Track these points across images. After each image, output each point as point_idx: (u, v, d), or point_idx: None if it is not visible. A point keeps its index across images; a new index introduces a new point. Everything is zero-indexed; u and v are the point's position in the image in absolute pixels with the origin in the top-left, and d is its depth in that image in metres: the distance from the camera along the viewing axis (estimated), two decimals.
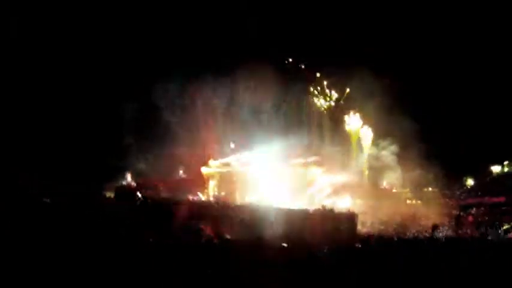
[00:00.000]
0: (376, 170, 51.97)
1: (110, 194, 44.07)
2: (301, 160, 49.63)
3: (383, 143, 53.50)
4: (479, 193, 52.25)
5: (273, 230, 34.89)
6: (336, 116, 55.85)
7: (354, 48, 50.39)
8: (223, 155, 49.48)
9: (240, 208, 39.68)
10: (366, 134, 55.83)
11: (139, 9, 48.19)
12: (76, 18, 46.90)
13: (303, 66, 52.28)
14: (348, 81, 51.89)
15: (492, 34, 50.18)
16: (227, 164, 48.79)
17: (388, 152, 52.02)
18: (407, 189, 52.35)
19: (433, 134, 49.16)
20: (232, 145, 50.13)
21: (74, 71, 47.09)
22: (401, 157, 50.16)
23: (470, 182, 56.59)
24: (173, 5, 48.68)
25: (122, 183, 48.26)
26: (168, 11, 48.73)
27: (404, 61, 50.93)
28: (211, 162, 49.00)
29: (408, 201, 51.54)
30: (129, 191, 45.66)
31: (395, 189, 51.95)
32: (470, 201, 50.85)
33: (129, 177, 48.97)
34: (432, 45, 52.06)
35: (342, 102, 55.40)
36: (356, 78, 50.15)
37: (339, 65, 50.95)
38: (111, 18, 47.57)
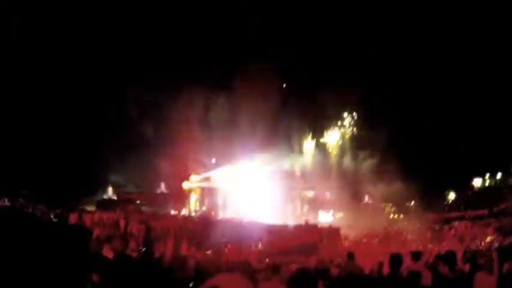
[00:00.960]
0: (357, 184, 51.76)
1: (91, 208, 43.38)
2: (282, 175, 49.46)
3: (363, 155, 53.50)
4: (462, 206, 52.51)
5: (256, 245, 34.68)
6: (315, 129, 55.78)
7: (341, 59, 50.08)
8: (204, 169, 49.17)
9: (222, 223, 39.25)
10: (346, 147, 55.90)
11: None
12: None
13: (284, 85, 51.57)
14: (329, 93, 51.14)
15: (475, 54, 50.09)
16: (208, 179, 48.50)
17: (368, 165, 51.96)
18: (390, 204, 52.42)
19: (413, 146, 49.17)
20: (213, 160, 49.91)
21: (43, 82, 45.30)
22: (381, 170, 49.94)
23: (452, 195, 56.90)
24: (141, 18, 47.33)
25: (103, 197, 47.81)
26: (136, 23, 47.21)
27: (386, 73, 50.86)
28: (192, 176, 48.65)
29: (391, 216, 51.61)
30: (110, 204, 45.17)
31: (377, 203, 51.88)
32: (453, 214, 51.03)
33: (110, 191, 48.48)
34: (410, 58, 52.02)
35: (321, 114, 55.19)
36: (337, 90, 49.88)
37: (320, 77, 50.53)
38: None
